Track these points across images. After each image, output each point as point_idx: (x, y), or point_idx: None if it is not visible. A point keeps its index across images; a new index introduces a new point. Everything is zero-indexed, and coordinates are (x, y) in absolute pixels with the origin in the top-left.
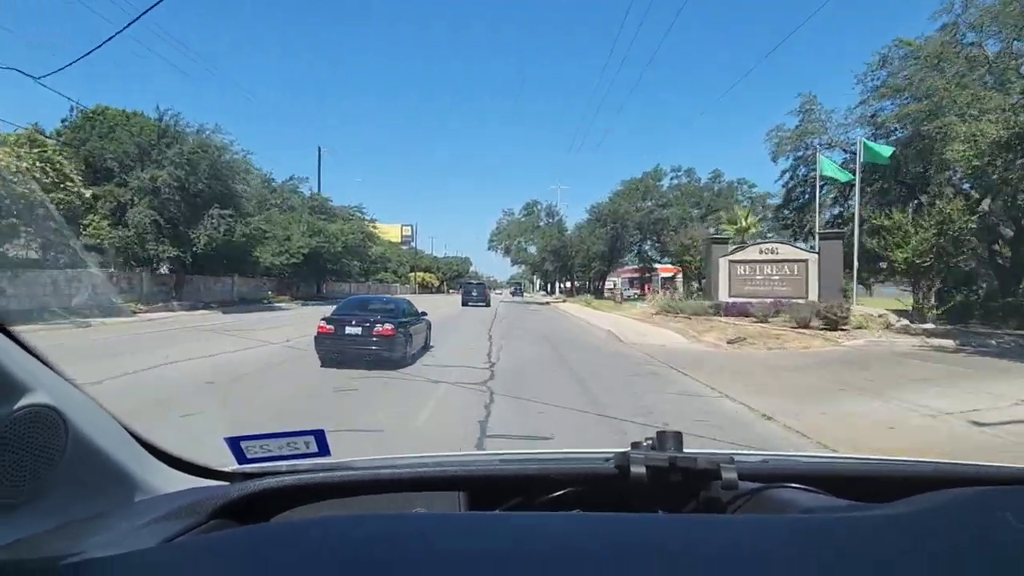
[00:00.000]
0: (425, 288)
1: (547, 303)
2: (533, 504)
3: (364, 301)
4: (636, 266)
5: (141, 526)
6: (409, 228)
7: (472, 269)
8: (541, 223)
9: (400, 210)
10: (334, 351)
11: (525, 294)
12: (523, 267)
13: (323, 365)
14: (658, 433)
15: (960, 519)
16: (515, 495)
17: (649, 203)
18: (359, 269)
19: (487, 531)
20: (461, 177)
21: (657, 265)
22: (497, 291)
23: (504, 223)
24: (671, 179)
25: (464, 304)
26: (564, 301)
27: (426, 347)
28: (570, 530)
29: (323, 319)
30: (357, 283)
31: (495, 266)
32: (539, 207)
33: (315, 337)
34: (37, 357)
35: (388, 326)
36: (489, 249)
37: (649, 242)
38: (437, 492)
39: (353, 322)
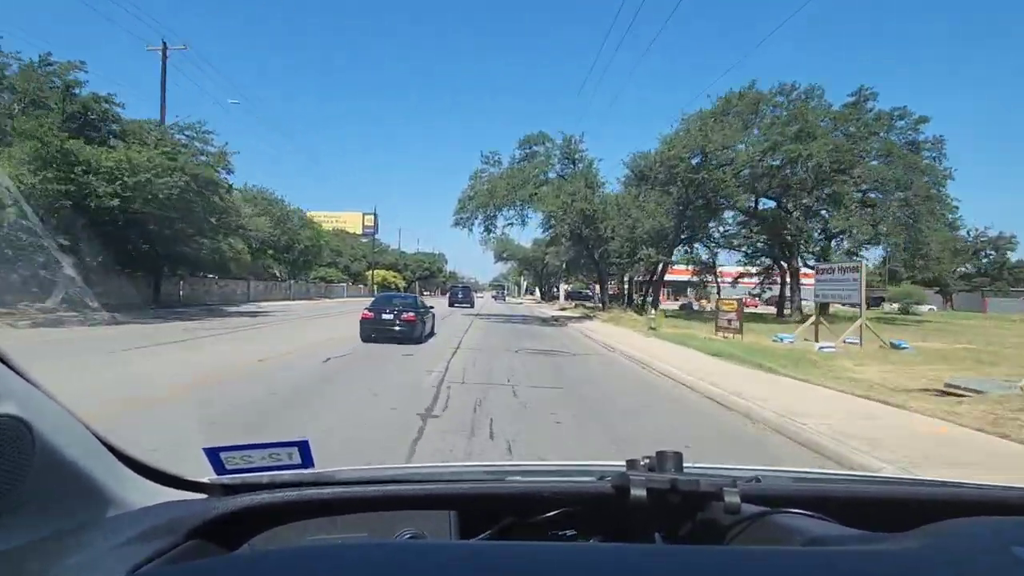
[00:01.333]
0: (387, 289)
1: (555, 318)
2: (526, 524)
3: (390, 297)
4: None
5: (113, 547)
6: (371, 217)
7: (448, 268)
8: (551, 173)
9: (364, 200)
10: (372, 330)
11: (508, 298)
12: (512, 263)
13: (364, 341)
14: (658, 453)
15: (970, 554)
16: (507, 512)
17: (759, 138)
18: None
19: (482, 563)
20: (435, 163)
21: (727, 265)
22: (479, 294)
23: (483, 179)
24: (772, 111)
25: (451, 304)
26: (589, 317)
27: (432, 332)
28: (570, 563)
29: (366, 308)
30: (264, 282)
31: (476, 264)
32: (549, 146)
33: (360, 320)
34: (2, 361)
35: (411, 314)
36: (456, 225)
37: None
38: (425, 511)
39: (387, 311)
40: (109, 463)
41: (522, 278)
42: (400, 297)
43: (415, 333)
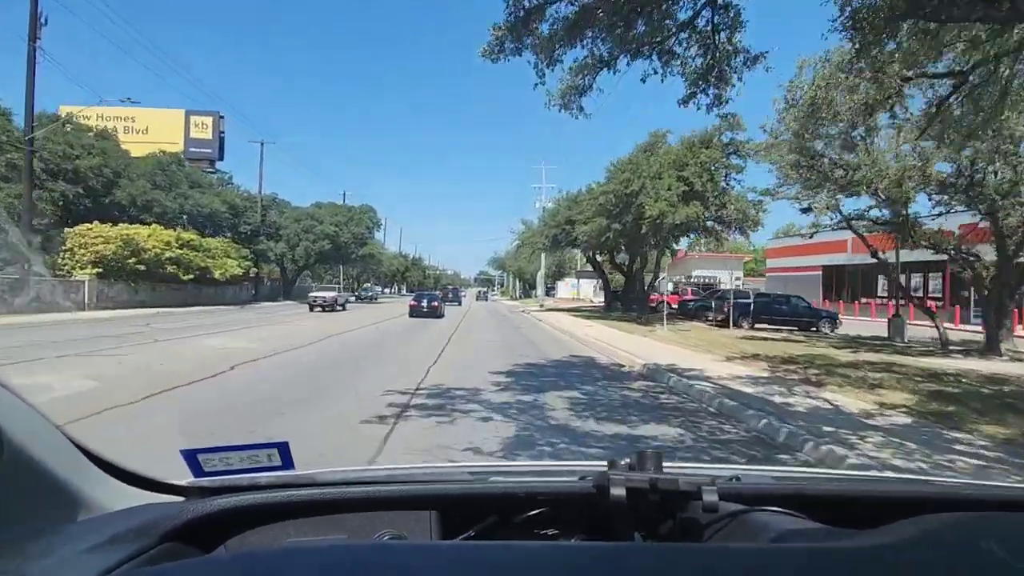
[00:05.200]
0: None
1: None
2: (508, 524)
3: (424, 294)
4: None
5: (84, 550)
6: (206, 122)
7: (377, 237)
8: None
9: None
10: (416, 311)
11: (508, 300)
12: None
13: (410, 317)
14: (638, 453)
15: (942, 549)
16: (489, 513)
17: None
18: None
19: (460, 562)
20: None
21: None
22: (462, 292)
23: None
24: None
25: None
26: None
27: (443, 314)
28: (548, 561)
29: (412, 299)
30: None
31: (458, 251)
32: None
33: (410, 304)
34: None
35: (436, 303)
36: None
37: None
38: (406, 512)
39: (423, 300)
40: (82, 466)
41: (544, 256)
42: (429, 293)
43: (438, 312)
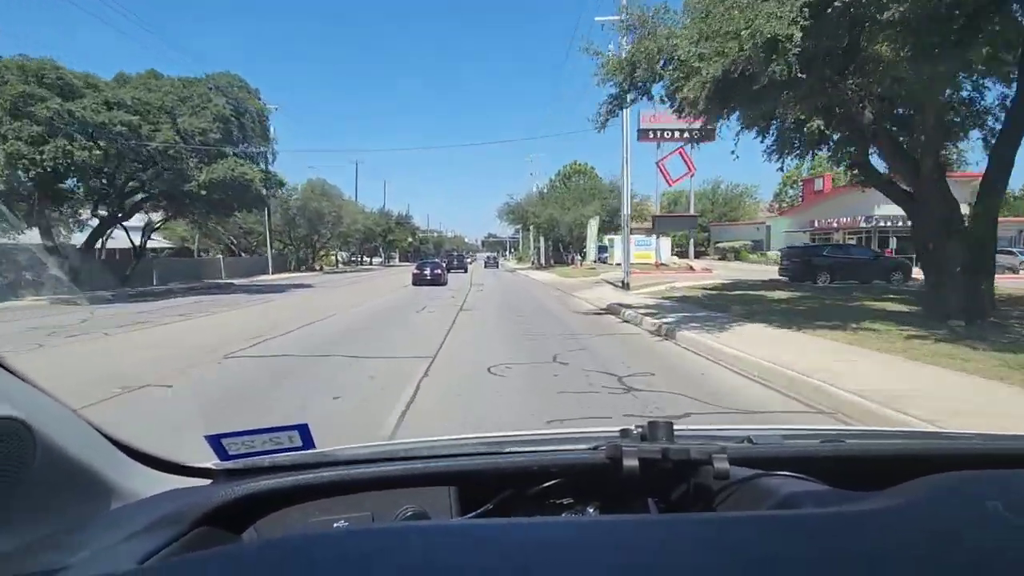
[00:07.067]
0: None
1: None
2: (525, 495)
3: (426, 261)
4: None
5: (119, 540)
6: None
7: (341, 186)
8: None
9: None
10: (420, 278)
11: (533, 270)
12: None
13: (414, 285)
14: (649, 423)
15: (944, 510)
16: (505, 484)
17: None
18: None
19: (480, 542)
20: None
21: None
22: (468, 258)
23: None
24: None
25: (448, 269)
26: None
27: (446, 281)
28: (565, 537)
29: (415, 267)
30: None
31: (465, 214)
32: None
33: (412, 272)
34: (0, 365)
35: (439, 270)
36: None
37: None
38: (427, 487)
39: (426, 268)
40: (112, 455)
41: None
42: (432, 261)
43: (441, 280)
